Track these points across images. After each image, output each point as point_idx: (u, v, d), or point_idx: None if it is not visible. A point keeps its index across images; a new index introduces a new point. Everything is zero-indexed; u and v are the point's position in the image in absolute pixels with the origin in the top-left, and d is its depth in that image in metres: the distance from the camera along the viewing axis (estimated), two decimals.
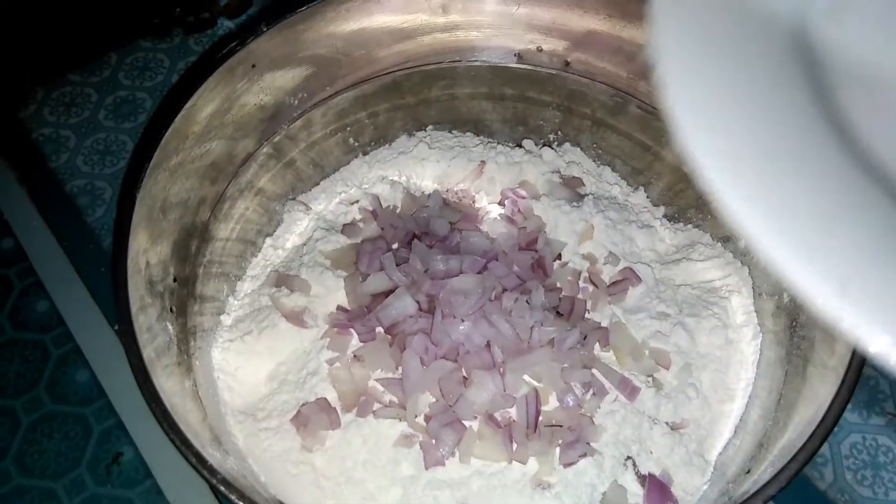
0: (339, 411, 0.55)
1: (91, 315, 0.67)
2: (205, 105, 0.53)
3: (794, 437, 0.45)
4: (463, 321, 0.55)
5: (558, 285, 0.61)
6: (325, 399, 0.56)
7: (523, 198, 0.66)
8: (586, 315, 0.60)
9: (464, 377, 0.55)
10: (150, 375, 0.44)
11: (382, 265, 0.59)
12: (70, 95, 0.82)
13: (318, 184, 0.69)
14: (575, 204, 0.64)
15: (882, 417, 0.63)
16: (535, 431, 0.53)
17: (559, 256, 0.63)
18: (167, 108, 0.52)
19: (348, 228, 0.65)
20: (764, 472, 0.46)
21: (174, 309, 0.55)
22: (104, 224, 0.72)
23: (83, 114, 0.80)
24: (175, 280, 0.55)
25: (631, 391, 0.55)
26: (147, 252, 0.51)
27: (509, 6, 0.61)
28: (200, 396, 0.54)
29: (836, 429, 0.42)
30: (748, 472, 0.49)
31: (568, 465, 0.52)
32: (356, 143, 0.69)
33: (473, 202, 0.68)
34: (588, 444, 0.53)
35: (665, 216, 0.67)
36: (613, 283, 0.61)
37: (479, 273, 0.57)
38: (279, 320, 0.60)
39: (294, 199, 0.68)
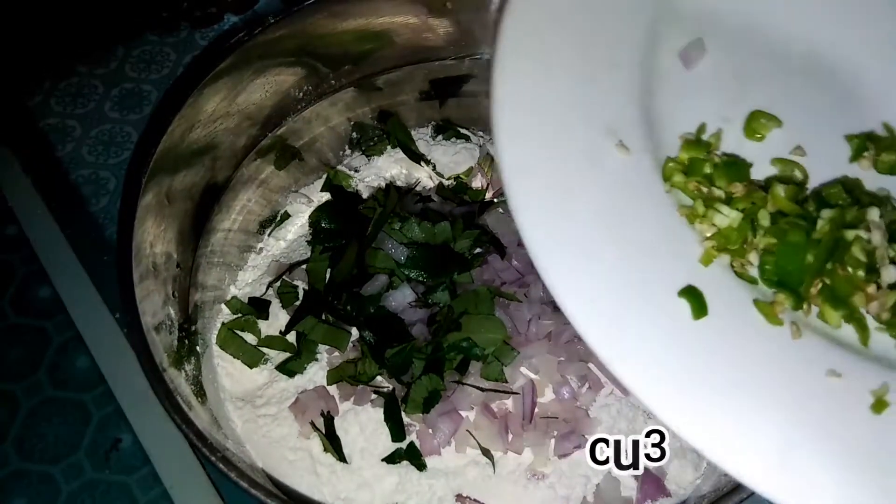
0: (336, 399, 0.56)
1: (92, 302, 0.67)
2: (212, 94, 0.54)
3: None
4: None
5: None
6: (324, 387, 0.56)
7: None
8: None
9: None
10: (153, 357, 0.45)
11: None
12: (77, 86, 0.83)
13: (320, 177, 0.69)
14: None
15: None
16: (530, 423, 0.53)
17: None
18: (175, 95, 0.52)
19: None
20: None
21: (176, 295, 0.55)
22: (107, 213, 0.73)
23: (89, 105, 0.81)
24: (178, 267, 0.56)
25: None
26: (152, 238, 0.51)
27: None
28: (201, 381, 0.55)
29: None
30: None
31: (563, 456, 0.53)
32: (360, 137, 0.70)
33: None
34: (583, 436, 0.53)
35: None
36: None
37: (478, 266, 0.58)
38: (279, 310, 0.61)
39: (296, 191, 0.69)
